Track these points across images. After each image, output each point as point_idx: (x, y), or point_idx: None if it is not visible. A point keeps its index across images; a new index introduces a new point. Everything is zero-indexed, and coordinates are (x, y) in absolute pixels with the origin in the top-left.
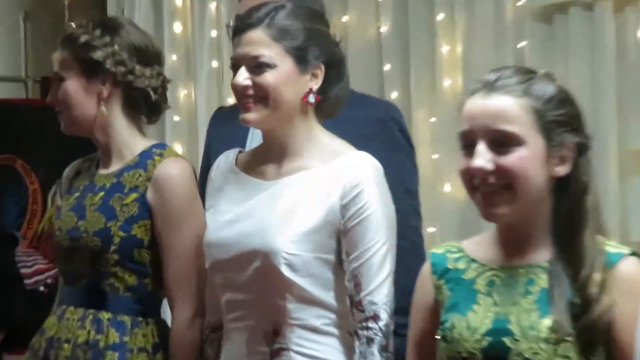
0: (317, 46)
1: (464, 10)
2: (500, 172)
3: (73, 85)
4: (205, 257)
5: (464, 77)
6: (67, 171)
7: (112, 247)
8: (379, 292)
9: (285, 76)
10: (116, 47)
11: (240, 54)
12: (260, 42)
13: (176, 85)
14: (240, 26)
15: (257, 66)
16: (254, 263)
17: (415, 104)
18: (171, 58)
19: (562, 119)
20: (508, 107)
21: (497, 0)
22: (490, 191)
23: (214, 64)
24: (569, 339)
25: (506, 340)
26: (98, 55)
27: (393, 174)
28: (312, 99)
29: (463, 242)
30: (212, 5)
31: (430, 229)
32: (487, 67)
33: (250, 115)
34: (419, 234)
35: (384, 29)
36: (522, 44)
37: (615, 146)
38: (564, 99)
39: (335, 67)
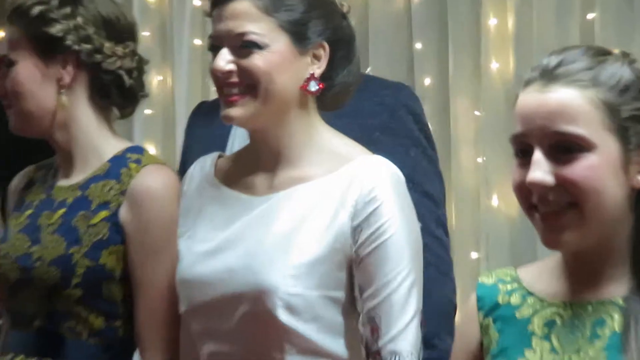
0: (319, 19)
1: None
2: (564, 186)
3: (26, 70)
4: (180, 299)
5: (516, 58)
6: (16, 181)
7: (74, 280)
8: (403, 338)
9: (279, 58)
10: (79, 19)
11: (221, 31)
12: (247, 15)
13: (148, 69)
14: None
15: (244, 46)
16: (242, 306)
17: (455, 93)
18: (142, 34)
19: None
20: (571, 101)
21: None
22: (552, 211)
23: (197, 42)
24: None
25: None
26: (57, 29)
27: (406, 174)
28: (313, 87)
29: (520, 270)
30: None
31: (474, 255)
32: (547, 47)
33: (235, 111)
34: (446, 249)
35: None
36: (592, 15)
37: None
38: None
39: (342, 45)
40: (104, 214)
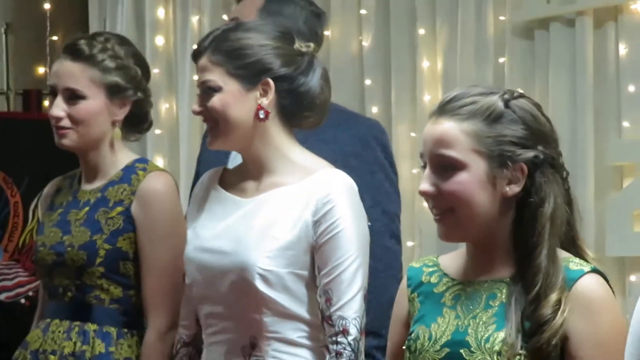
0: (260, 63)
1: (446, 25)
2: (441, 196)
3: (97, 106)
4: (185, 272)
5: (444, 92)
6: (47, 189)
7: (98, 260)
8: (349, 307)
9: (230, 97)
10: (139, 71)
11: (197, 81)
12: (205, 68)
13: (158, 98)
14: (193, 56)
15: (205, 91)
16: (230, 277)
17: (396, 119)
18: (153, 71)
19: (507, 139)
20: (449, 131)
21: (479, 15)
22: (437, 214)
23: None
24: (522, 352)
25: (463, 351)
26: (125, 79)
27: (370, 194)
28: (261, 115)
29: (441, 257)
30: (195, 19)
31: (409, 243)
32: (467, 83)
33: (209, 140)
34: (395, 256)
35: (365, 43)
36: (502, 59)
37: (592, 162)
38: (515, 118)
39: (284, 80)
40: (119, 209)
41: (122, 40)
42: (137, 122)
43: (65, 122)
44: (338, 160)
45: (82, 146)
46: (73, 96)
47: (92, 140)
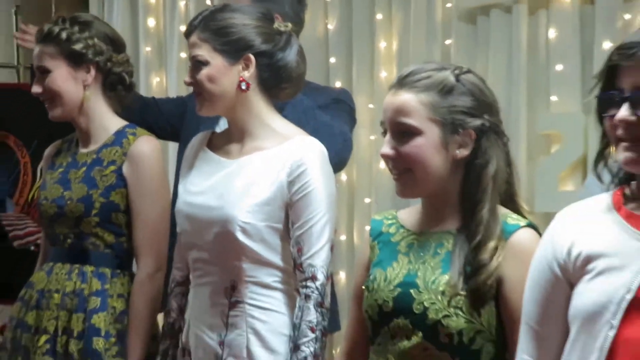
0: (242, 40)
1: (400, 10)
2: (400, 158)
3: (61, 76)
4: (177, 223)
5: (398, 69)
6: (49, 151)
7: (94, 212)
8: (318, 256)
9: (215, 70)
10: (95, 39)
11: (188, 56)
12: (194, 44)
13: (150, 73)
14: (185, 33)
15: (196, 65)
16: (214, 228)
17: (356, 92)
18: (145, 49)
19: (458, 109)
20: (407, 102)
21: (429, 2)
22: (396, 173)
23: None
24: (462, 293)
25: (412, 291)
26: (80, 47)
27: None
28: (243, 86)
29: (399, 211)
30: (182, 3)
31: (367, 200)
32: (419, 61)
33: (197, 108)
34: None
35: (330, 26)
36: (449, 41)
37: (525, 130)
38: (464, 91)
39: (264, 55)
40: (112, 168)
41: (87, 22)
42: (112, 86)
43: (45, 97)
44: (308, 110)
45: (67, 114)
46: (44, 72)
47: (71, 107)
